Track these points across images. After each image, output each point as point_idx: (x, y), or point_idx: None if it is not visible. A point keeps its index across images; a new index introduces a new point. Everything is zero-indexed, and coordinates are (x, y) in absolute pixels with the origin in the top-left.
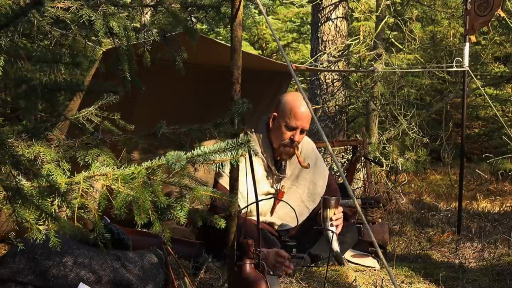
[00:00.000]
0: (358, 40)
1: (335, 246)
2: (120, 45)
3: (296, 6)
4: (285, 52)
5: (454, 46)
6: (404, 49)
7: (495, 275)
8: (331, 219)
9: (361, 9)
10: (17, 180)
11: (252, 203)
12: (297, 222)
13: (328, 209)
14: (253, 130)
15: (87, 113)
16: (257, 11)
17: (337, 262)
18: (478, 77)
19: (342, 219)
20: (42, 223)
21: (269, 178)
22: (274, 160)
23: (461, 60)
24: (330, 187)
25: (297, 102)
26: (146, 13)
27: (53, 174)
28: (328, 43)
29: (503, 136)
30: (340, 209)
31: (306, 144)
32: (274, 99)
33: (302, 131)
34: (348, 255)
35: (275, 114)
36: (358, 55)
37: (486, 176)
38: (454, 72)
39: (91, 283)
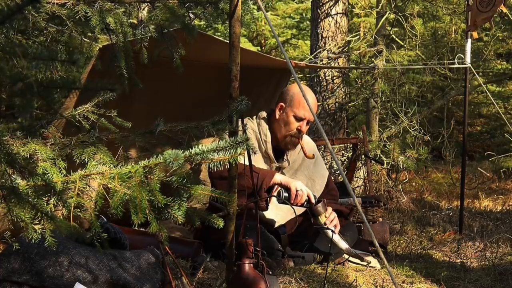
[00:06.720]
0: (358, 37)
1: (343, 244)
2: (117, 42)
3: (296, 2)
4: (284, 49)
5: (456, 43)
6: (405, 45)
7: (497, 275)
8: (325, 224)
9: (361, 5)
10: (12, 178)
11: (252, 201)
12: (295, 214)
13: (318, 217)
14: (254, 117)
15: (84, 110)
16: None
17: (355, 258)
18: (480, 74)
19: (336, 218)
20: (38, 222)
21: (266, 163)
22: (273, 149)
23: (463, 56)
24: (328, 186)
25: (306, 93)
26: (143, 9)
27: (49, 173)
28: (328, 39)
29: (505, 134)
30: (330, 209)
31: (307, 143)
32: (273, 96)
33: (307, 122)
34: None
35: (282, 104)
36: (358, 51)
37: (488, 175)
38: (456, 69)
39: (88, 283)
